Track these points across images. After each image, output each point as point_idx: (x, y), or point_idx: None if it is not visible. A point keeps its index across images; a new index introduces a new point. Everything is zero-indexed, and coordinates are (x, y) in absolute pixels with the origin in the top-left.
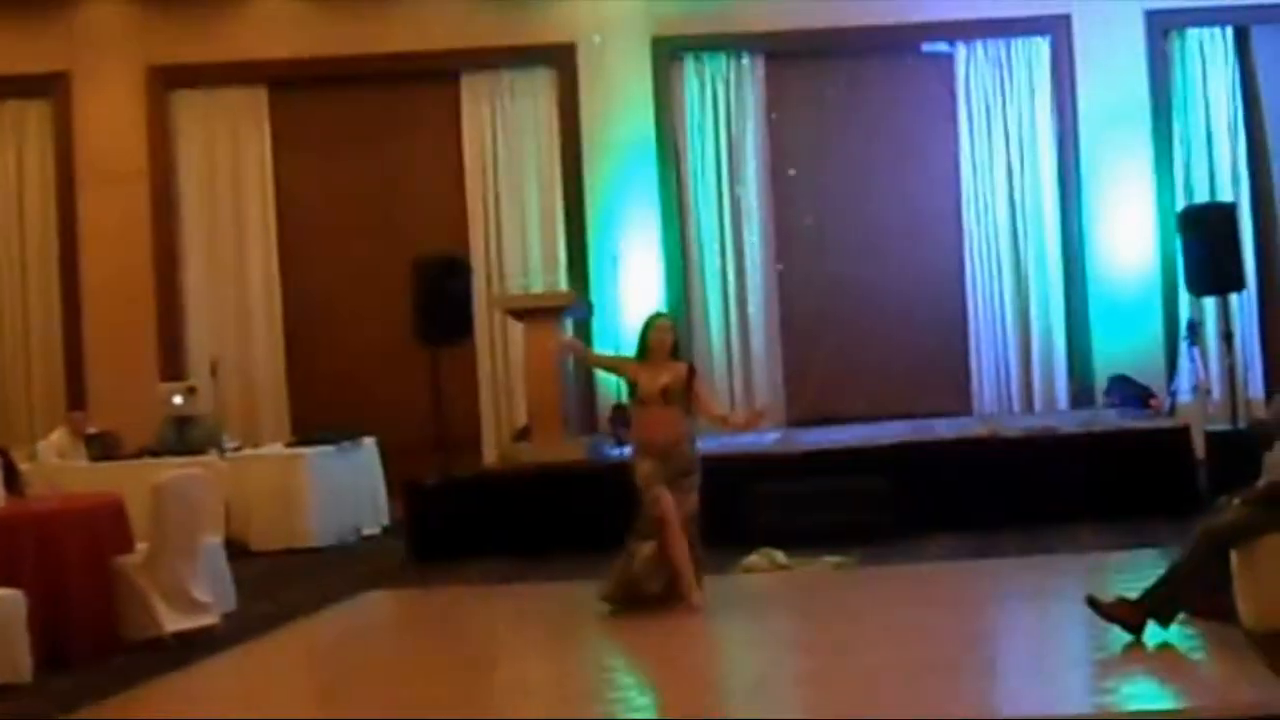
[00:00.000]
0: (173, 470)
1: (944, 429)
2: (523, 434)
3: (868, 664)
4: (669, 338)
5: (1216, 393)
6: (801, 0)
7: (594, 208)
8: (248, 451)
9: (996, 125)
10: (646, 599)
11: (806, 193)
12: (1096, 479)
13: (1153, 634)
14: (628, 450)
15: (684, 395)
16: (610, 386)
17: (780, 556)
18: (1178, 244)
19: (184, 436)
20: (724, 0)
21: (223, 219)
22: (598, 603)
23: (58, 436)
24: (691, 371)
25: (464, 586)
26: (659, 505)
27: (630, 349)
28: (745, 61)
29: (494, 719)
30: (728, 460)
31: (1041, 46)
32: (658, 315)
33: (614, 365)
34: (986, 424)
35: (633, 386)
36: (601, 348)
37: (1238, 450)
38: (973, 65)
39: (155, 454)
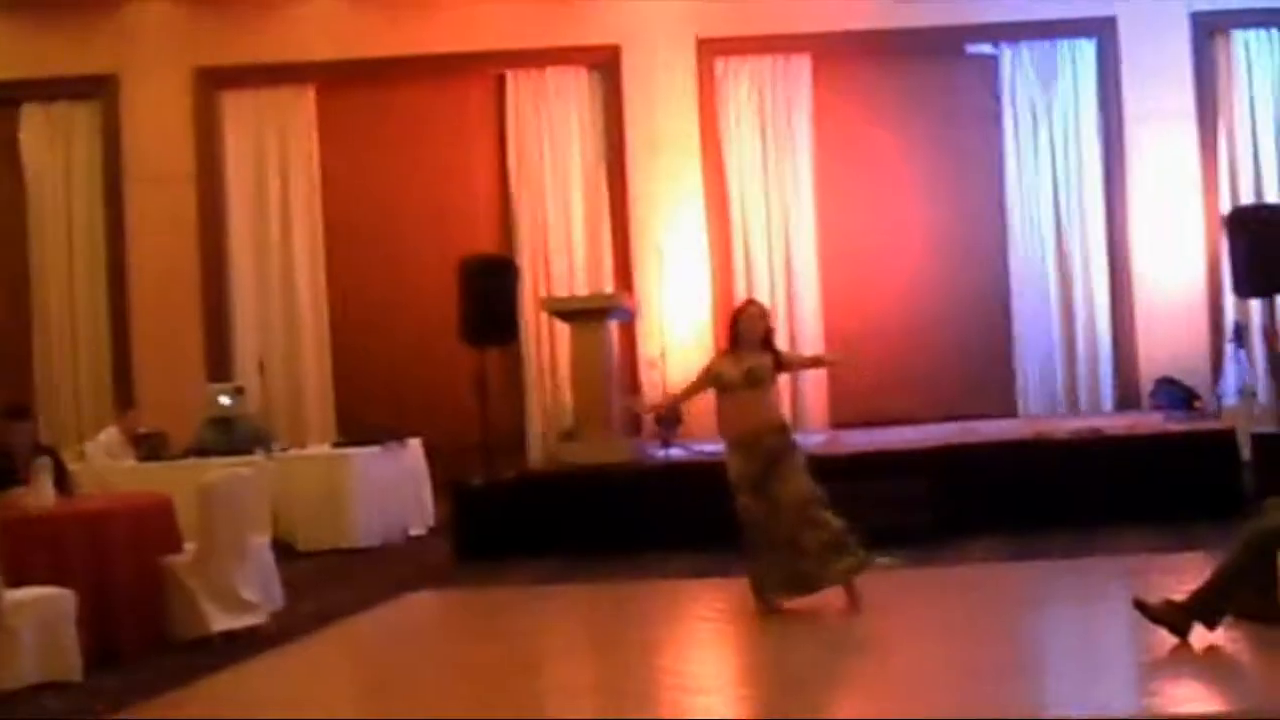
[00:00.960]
0: (220, 470)
1: (989, 431)
2: (569, 435)
3: (914, 664)
4: (760, 325)
5: (1262, 395)
6: (846, 2)
7: (639, 208)
8: (294, 452)
9: (1042, 127)
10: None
11: (851, 194)
12: (1142, 481)
13: (1199, 636)
14: (673, 451)
15: (771, 377)
16: (657, 387)
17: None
18: (1224, 246)
19: (227, 437)
20: (768, 1)
21: (270, 219)
22: (764, 605)
23: (107, 436)
24: (778, 355)
25: (510, 588)
26: (746, 517)
27: (673, 351)
28: (790, 63)
29: None
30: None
31: (1087, 48)
32: (749, 303)
33: (702, 382)
34: (1031, 426)
35: (718, 378)
36: (647, 351)
37: None
38: (1018, 67)
39: (202, 454)
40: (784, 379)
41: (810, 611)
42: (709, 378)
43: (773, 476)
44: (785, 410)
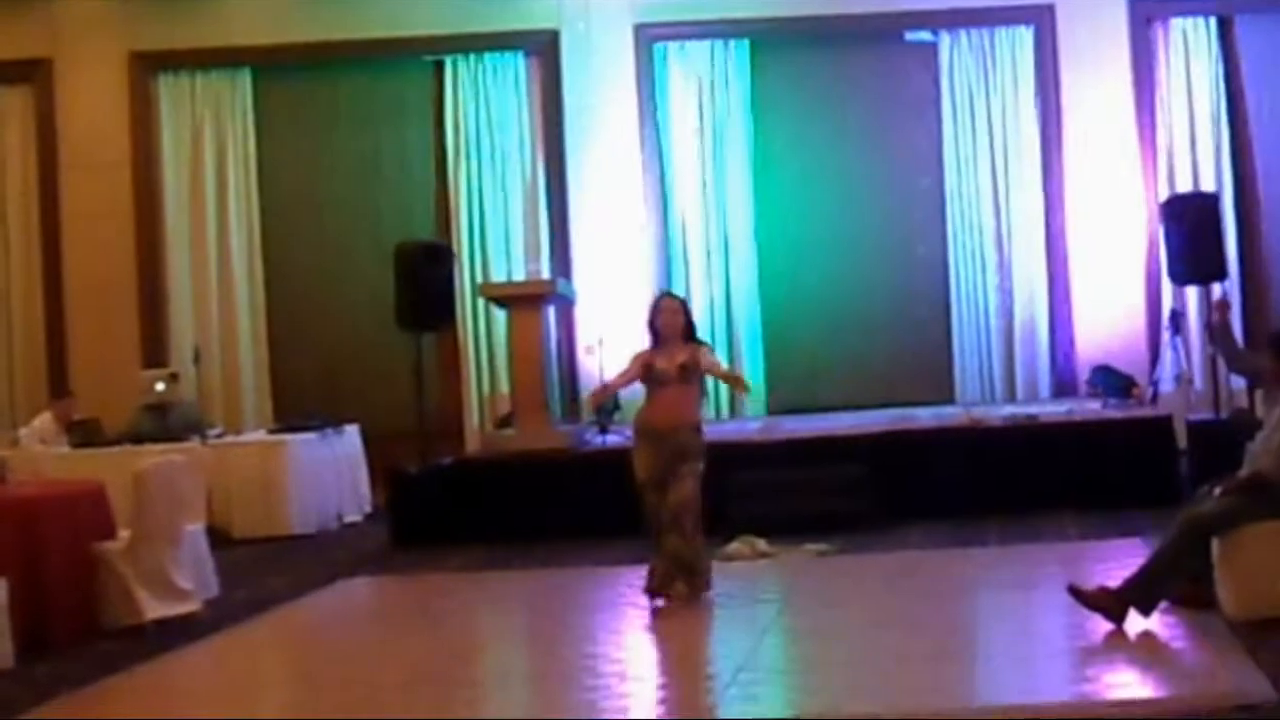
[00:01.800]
0: (155, 457)
1: (926, 418)
2: (506, 421)
3: (849, 651)
4: (678, 320)
5: (1199, 382)
6: None
7: (576, 194)
8: (230, 438)
9: (980, 114)
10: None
11: (790, 180)
12: (1078, 468)
13: (1134, 623)
14: (610, 438)
15: (699, 375)
16: (594, 374)
17: (762, 544)
18: (1160, 233)
19: (162, 424)
20: None
21: (206, 205)
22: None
23: (42, 423)
24: (700, 354)
25: (446, 574)
26: (654, 519)
27: (613, 337)
28: (728, 48)
29: (473, 708)
30: (710, 448)
31: (1025, 36)
32: (664, 295)
33: (634, 372)
34: (968, 413)
35: (649, 370)
36: (585, 337)
37: (1219, 440)
38: (956, 54)
39: (137, 440)
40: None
41: (747, 599)
42: (640, 369)
43: (671, 474)
44: (719, 397)
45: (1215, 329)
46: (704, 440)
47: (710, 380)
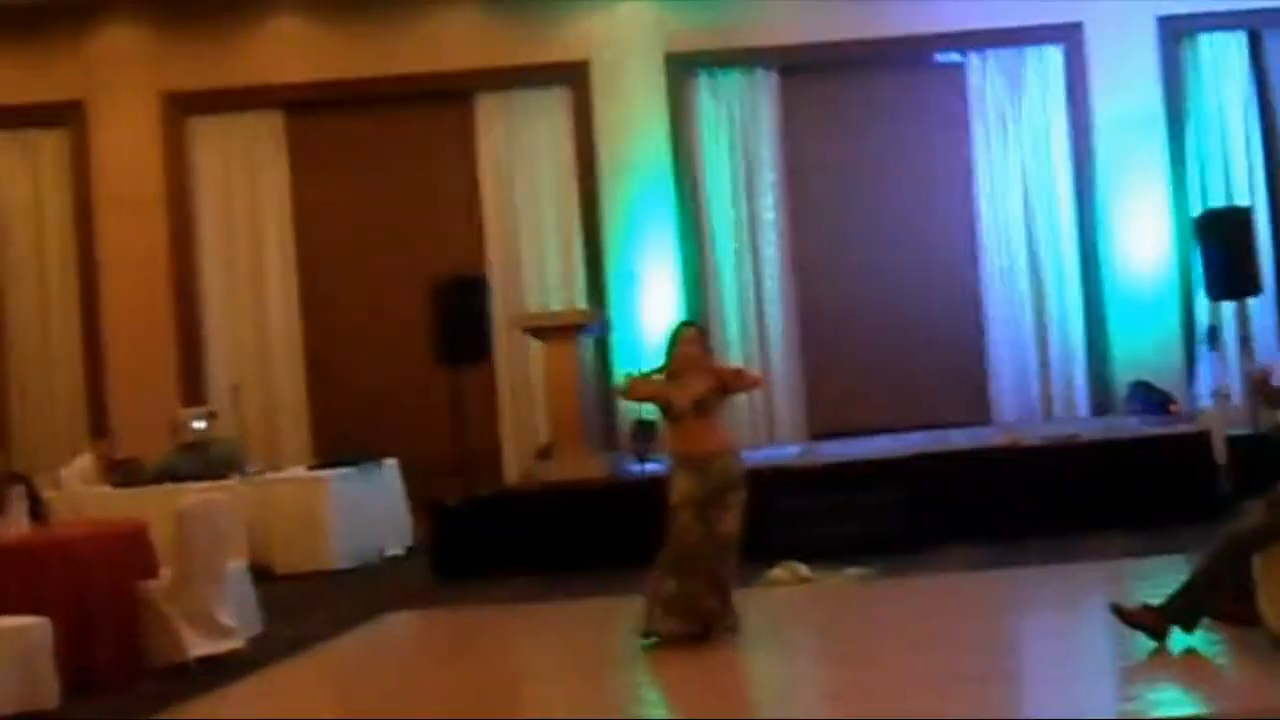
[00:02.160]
0: (195, 495)
1: (963, 439)
2: (544, 452)
3: (892, 675)
4: (696, 349)
5: (1236, 397)
6: (813, 14)
7: (610, 224)
8: (270, 475)
9: (1011, 134)
10: (667, 636)
11: (823, 206)
12: (1117, 486)
13: (1177, 640)
14: (649, 466)
15: (719, 403)
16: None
17: (803, 569)
18: (1195, 249)
19: (200, 462)
20: (736, 15)
21: (241, 243)
22: (639, 638)
23: (82, 463)
24: (723, 377)
25: (488, 606)
26: (683, 538)
27: (647, 366)
28: (759, 76)
29: None
30: (749, 474)
31: (1054, 55)
32: (683, 325)
33: (655, 398)
34: (1006, 433)
35: (667, 405)
36: (622, 366)
37: (1258, 454)
38: (985, 75)
39: (176, 479)
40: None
41: (785, 626)
42: (659, 400)
43: (717, 504)
44: (758, 423)
45: (1266, 397)
46: (744, 469)
47: (747, 407)
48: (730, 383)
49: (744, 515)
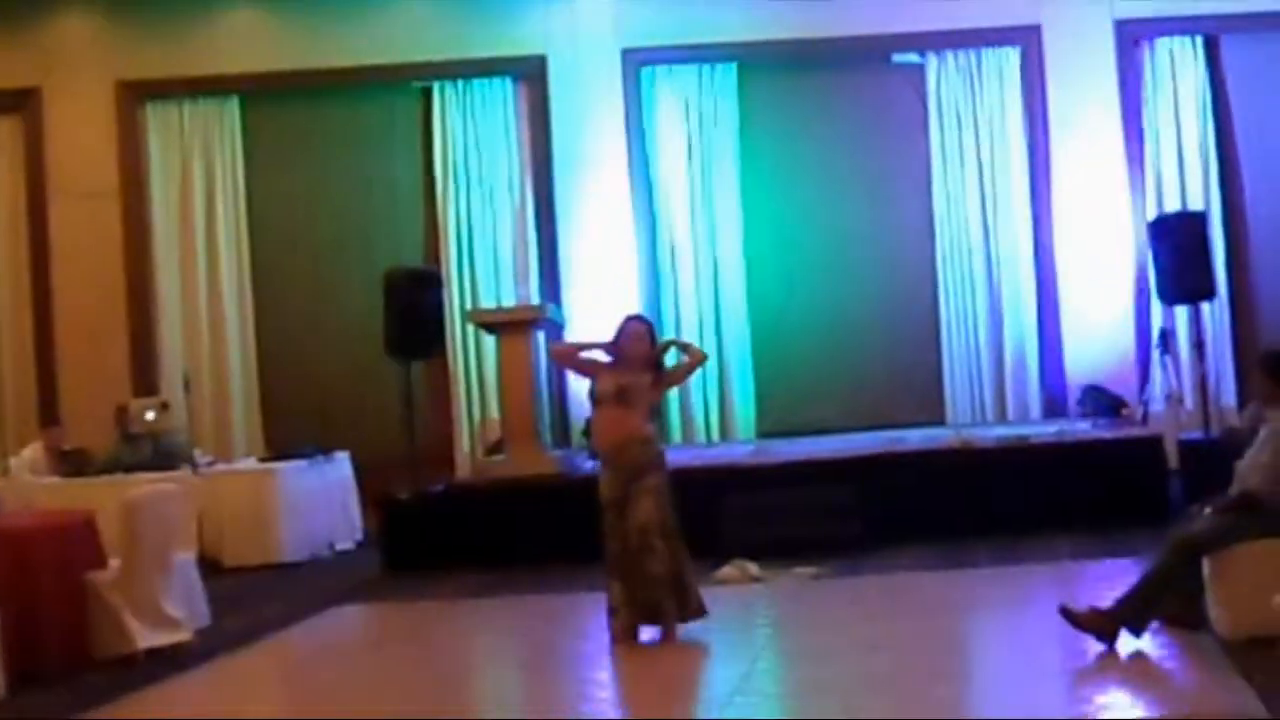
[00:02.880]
0: (145, 487)
1: (916, 440)
2: (496, 447)
3: (842, 674)
4: (641, 346)
5: (1189, 402)
6: (772, 11)
7: (565, 219)
8: (220, 467)
9: (968, 135)
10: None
11: (779, 203)
12: (1069, 488)
13: (1126, 643)
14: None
15: (645, 396)
16: (583, 399)
17: (753, 568)
18: (1149, 253)
19: (147, 452)
20: (694, 11)
21: (195, 233)
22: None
23: (31, 452)
24: (661, 374)
25: (438, 600)
26: (609, 540)
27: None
28: (716, 72)
29: None
30: (700, 472)
31: (1012, 56)
32: (633, 319)
33: (588, 372)
34: (958, 434)
35: (592, 389)
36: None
37: (1210, 459)
38: (943, 76)
39: (126, 470)
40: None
41: (739, 623)
42: (584, 373)
43: (629, 495)
44: (710, 420)
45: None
46: (659, 452)
47: (700, 405)
48: (664, 376)
49: (664, 503)
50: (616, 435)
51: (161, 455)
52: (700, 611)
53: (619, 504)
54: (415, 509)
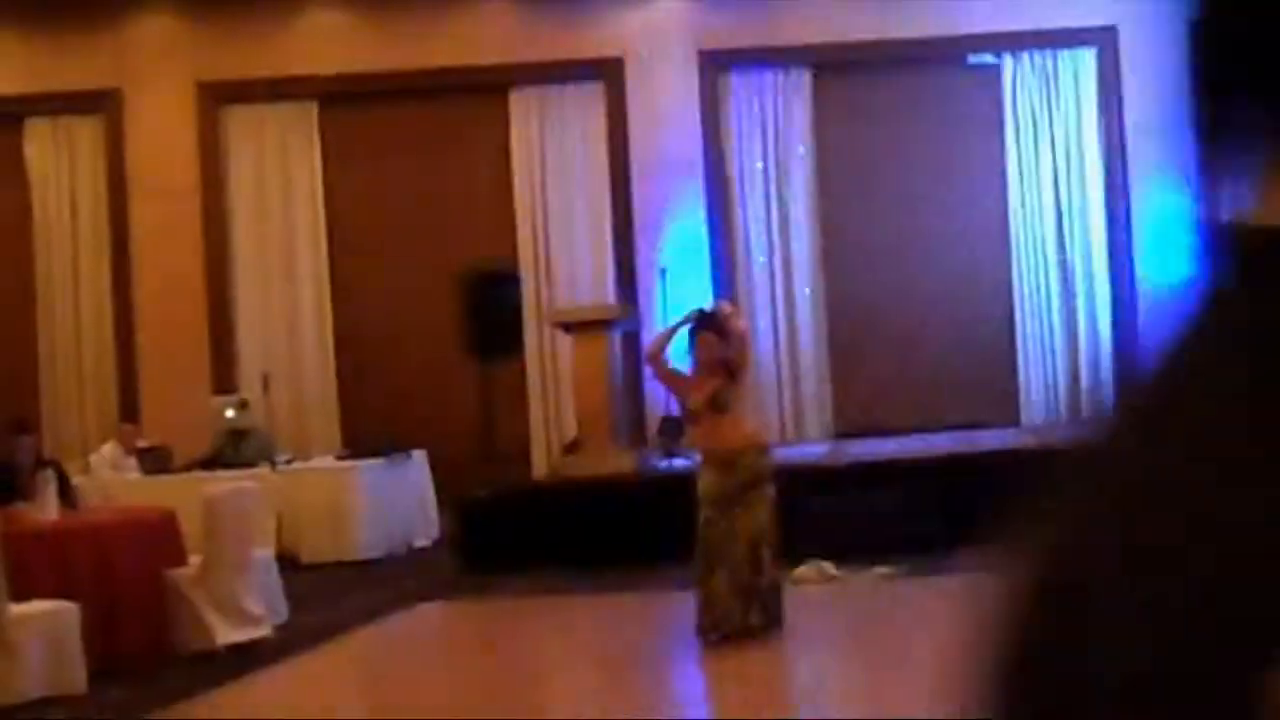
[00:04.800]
0: (224, 483)
1: (992, 440)
2: (572, 447)
3: (918, 675)
4: (713, 354)
5: None
6: (848, 13)
7: (642, 220)
8: (299, 465)
9: (1043, 136)
10: (749, 630)
11: (853, 205)
12: None
13: None
14: (677, 462)
15: (735, 396)
16: (659, 398)
17: (830, 568)
18: None
19: (238, 450)
20: (770, 13)
21: (273, 233)
22: (704, 641)
23: (109, 449)
24: (732, 376)
25: (513, 599)
26: (706, 534)
27: (675, 363)
28: (792, 74)
29: None
30: (776, 473)
31: (1088, 58)
32: (698, 330)
33: (671, 381)
34: (1035, 435)
35: (681, 403)
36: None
37: None
38: (1019, 77)
39: (207, 467)
40: (782, 391)
41: (811, 625)
42: (674, 390)
43: (742, 500)
44: (785, 421)
45: None
46: (773, 460)
47: (774, 405)
48: (734, 365)
49: (774, 511)
50: (735, 441)
51: (245, 453)
52: (781, 621)
53: (723, 502)
54: (491, 508)
